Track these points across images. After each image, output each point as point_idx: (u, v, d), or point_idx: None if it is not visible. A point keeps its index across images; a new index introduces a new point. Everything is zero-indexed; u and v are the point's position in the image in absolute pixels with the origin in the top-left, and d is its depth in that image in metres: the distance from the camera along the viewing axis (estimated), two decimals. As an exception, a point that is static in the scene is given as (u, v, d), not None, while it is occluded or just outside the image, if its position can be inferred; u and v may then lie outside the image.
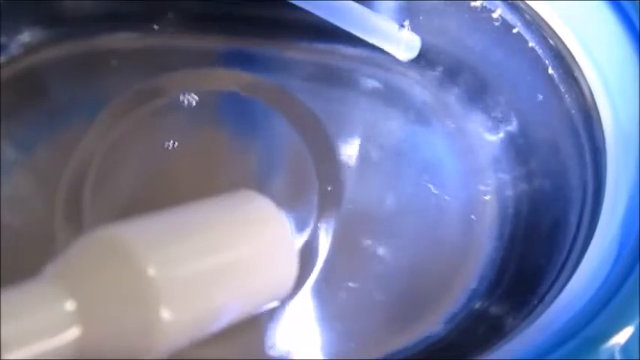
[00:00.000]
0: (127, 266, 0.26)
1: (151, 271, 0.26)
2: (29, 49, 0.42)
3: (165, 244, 0.28)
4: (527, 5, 0.39)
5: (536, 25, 0.38)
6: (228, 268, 0.29)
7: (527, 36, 0.39)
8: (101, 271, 0.26)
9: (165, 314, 0.26)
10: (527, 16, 0.39)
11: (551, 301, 0.28)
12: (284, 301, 0.35)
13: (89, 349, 0.25)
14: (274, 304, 0.34)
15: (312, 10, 0.41)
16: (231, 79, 0.43)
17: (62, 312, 0.24)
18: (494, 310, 0.35)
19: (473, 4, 0.40)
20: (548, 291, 0.30)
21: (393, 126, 0.42)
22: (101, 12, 0.44)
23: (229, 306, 0.29)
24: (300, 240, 0.37)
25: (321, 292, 0.36)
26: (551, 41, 0.38)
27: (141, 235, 0.27)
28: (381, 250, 0.37)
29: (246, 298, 0.30)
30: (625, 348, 0.26)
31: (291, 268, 0.32)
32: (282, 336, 0.34)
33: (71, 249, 0.27)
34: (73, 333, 0.24)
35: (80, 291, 0.25)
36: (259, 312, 0.33)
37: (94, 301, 0.25)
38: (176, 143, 0.40)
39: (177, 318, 0.26)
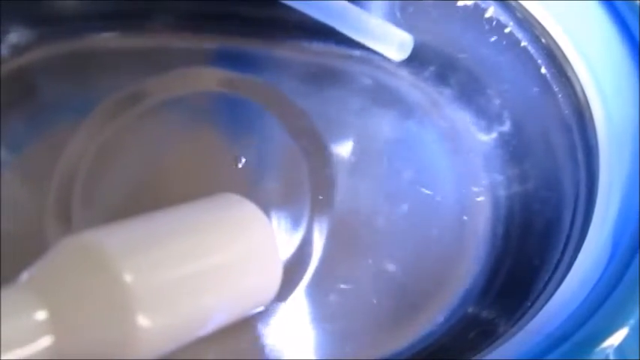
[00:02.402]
0: (102, 273, 0.25)
1: (127, 278, 0.25)
2: (18, 50, 0.42)
3: (143, 250, 0.27)
4: (519, 4, 0.38)
5: (528, 23, 0.38)
6: (210, 272, 0.29)
7: (520, 35, 0.39)
8: (76, 279, 0.25)
9: (142, 321, 0.25)
10: (519, 15, 0.39)
11: (544, 303, 0.28)
12: (275, 304, 0.34)
13: (63, 358, 0.25)
14: (259, 309, 0.33)
15: (305, 10, 0.40)
16: (222, 79, 0.43)
17: (32, 321, 0.24)
18: (487, 312, 0.35)
19: (465, 3, 0.40)
20: (541, 293, 0.30)
21: (386, 126, 0.42)
22: (91, 12, 0.43)
23: (212, 311, 0.29)
24: (293, 241, 0.37)
25: (314, 294, 0.35)
26: (543, 40, 0.38)
27: (117, 240, 0.27)
28: (373, 252, 0.37)
29: (229, 303, 0.30)
30: (619, 349, 0.26)
31: (275, 272, 0.31)
32: (275, 337, 0.34)
33: (46, 256, 0.26)
34: (44, 342, 0.24)
35: (53, 299, 0.25)
36: (244, 317, 0.32)
37: (68, 309, 0.25)
38: (167, 144, 0.39)
39: (155, 324, 0.26)
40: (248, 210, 0.31)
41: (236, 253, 0.30)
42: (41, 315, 0.24)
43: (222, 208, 0.32)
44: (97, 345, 0.25)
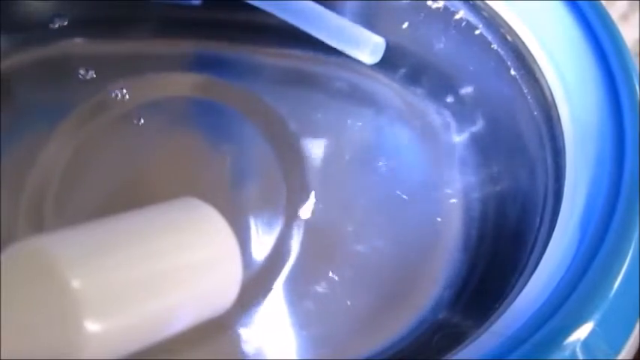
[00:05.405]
0: (47, 279, 0.25)
1: (75, 283, 0.25)
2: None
3: (93, 254, 0.27)
4: (487, 5, 0.39)
5: (496, 23, 0.38)
6: (165, 275, 0.28)
7: (490, 37, 0.39)
8: (20, 285, 0.25)
9: (91, 327, 0.25)
10: (486, 14, 0.39)
11: (510, 304, 0.28)
12: (250, 307, 0.34)
13: None
14: (217, 313, 0.33)
15: (278, 14, 0.40)
16: (198, 84, 0.43)
17: None
18: (458, 317, 0.35)
19: (435, 5, 0.40)
20: (508, 294, 0.30)
21: (360, 128, 0.42)
22: (66, 18, 0.43)
23: (167, 315, 0.29)
24: (268, 244, 0.37)
25: (288, 297, 0.36)
26: (509, 38, 0.38)
27: (67, 245, 0.26)
28: (348, 255, 0.37)
29: (185, 307, 0.29)
30: (588, 348, 0.26)
31: (234, 278, 0.31)
32: (249, 341, 0.34)
33: None
34: None
35: None
36: (202, 321, 0.32)
37: (11, 315, 0.24)
38: (142, 150, 0.40)
39: (105, 331, 0.26)
40: (208, 214, 0.31)
41: (194, 257, 0.30)
42: None
43: (179, 211, 0.31)
44: (43, 352, 0.25)
